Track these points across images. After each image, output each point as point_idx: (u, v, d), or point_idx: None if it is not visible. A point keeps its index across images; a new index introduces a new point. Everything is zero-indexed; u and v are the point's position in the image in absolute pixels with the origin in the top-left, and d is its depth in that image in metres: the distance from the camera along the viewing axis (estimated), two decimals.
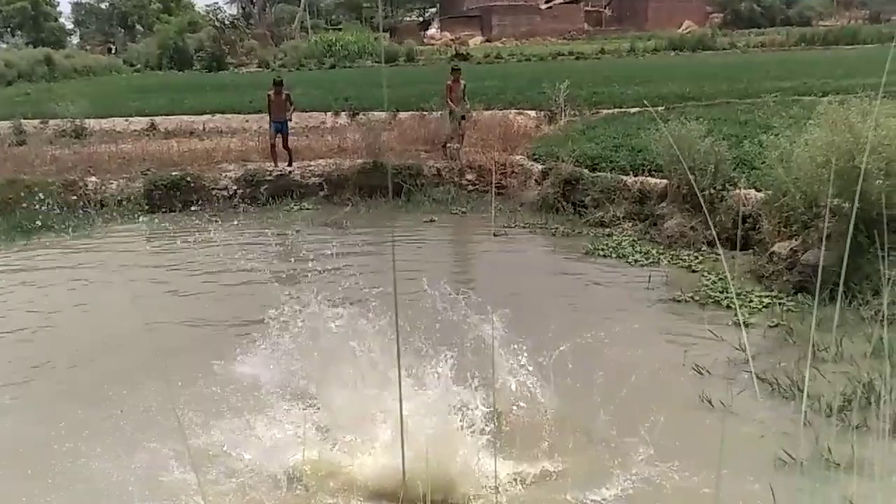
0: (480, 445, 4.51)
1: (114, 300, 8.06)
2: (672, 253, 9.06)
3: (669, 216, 9.61)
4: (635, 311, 7.40)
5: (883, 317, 5.80)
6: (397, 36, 52.58)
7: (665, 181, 10.02)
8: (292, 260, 7.75)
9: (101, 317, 7.80)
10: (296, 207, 12.57)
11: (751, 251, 8.44)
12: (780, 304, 7.16)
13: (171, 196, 12.62)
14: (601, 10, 63.70)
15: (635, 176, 10.67)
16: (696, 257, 8.83)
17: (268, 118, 13.53)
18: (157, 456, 4.77)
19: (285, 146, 13.33)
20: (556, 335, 5.77)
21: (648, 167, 10.65)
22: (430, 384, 4.68)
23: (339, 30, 51.41)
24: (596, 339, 5.98)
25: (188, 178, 12.86)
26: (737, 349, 6.04)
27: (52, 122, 18.70)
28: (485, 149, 13.62)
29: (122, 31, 65.46)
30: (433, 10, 70.59)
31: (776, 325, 6.71)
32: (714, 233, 8.98)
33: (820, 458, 4.44)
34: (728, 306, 7.24)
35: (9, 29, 61.80)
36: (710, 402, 5.36)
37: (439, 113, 14.81)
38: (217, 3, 65.34)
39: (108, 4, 67.06)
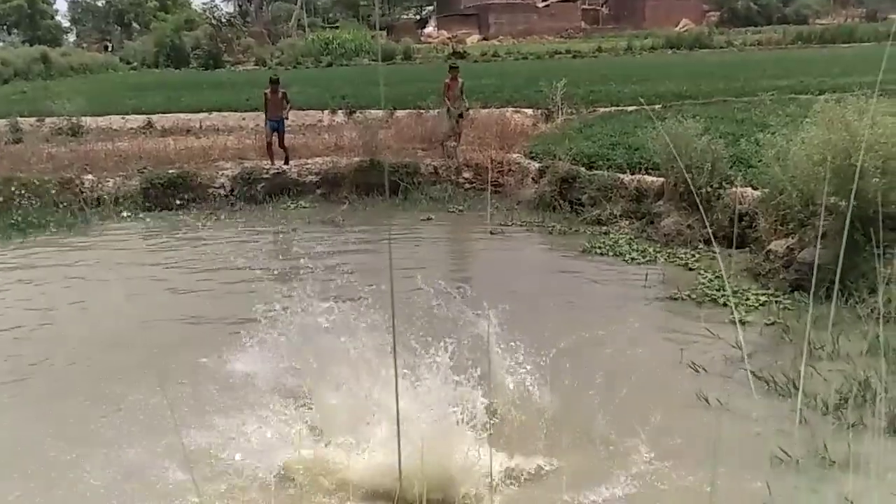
0: (477, 443, 4.50)
1: (110, 298, 8.05)
2: (669, 251, 9.07)
3: (666, 214, 9.62)
4: (632, 309, 7.40)
5: (879, 315, 5.82)
6: (394, 34, 52.52)
7: (662, 179, 10.03)
8: (288, 258, 7.75)
9: (97, 315, 7.78)
10: (292, 205, 12.55)
11: (747, 249, 8.46)
12: (776, 301, 7.17)
13: (168, 194, 12.59)
14: (598, 8, 63.67)
15: (632, 174, 10.67)
16: (693, 255, 8.84)
17: (264, 116, 13.53)
18: (153, 454, 4.79)
19: (282, 144, 13.32)
20: (552, 333, 5.78)
21: (645, 165, 10.65)
22: (428, 375, 4.65)
23: (336, 28, 51.39)
24: (593, 337, 5.99)
25: (185, 176, 12.83)
26: (733, 347, 6.05)
27: (48, 120, 18.62)
28: (482, 147, 13.62)
29: (119, 28, 65.28)
30: (430, 8, 70.48)
31: (772, 323, 6.72)
32: (710, 231, 8.99)
33: (816, 456, 4.45)
34: (724, 304, 7.24)
35: (5, 27, 61.66)
36: (706, 399, 5.36)
37: (436, 111, 14.81)
38: (214, 0, 65.02)
39: (104, 2, 66.79)
